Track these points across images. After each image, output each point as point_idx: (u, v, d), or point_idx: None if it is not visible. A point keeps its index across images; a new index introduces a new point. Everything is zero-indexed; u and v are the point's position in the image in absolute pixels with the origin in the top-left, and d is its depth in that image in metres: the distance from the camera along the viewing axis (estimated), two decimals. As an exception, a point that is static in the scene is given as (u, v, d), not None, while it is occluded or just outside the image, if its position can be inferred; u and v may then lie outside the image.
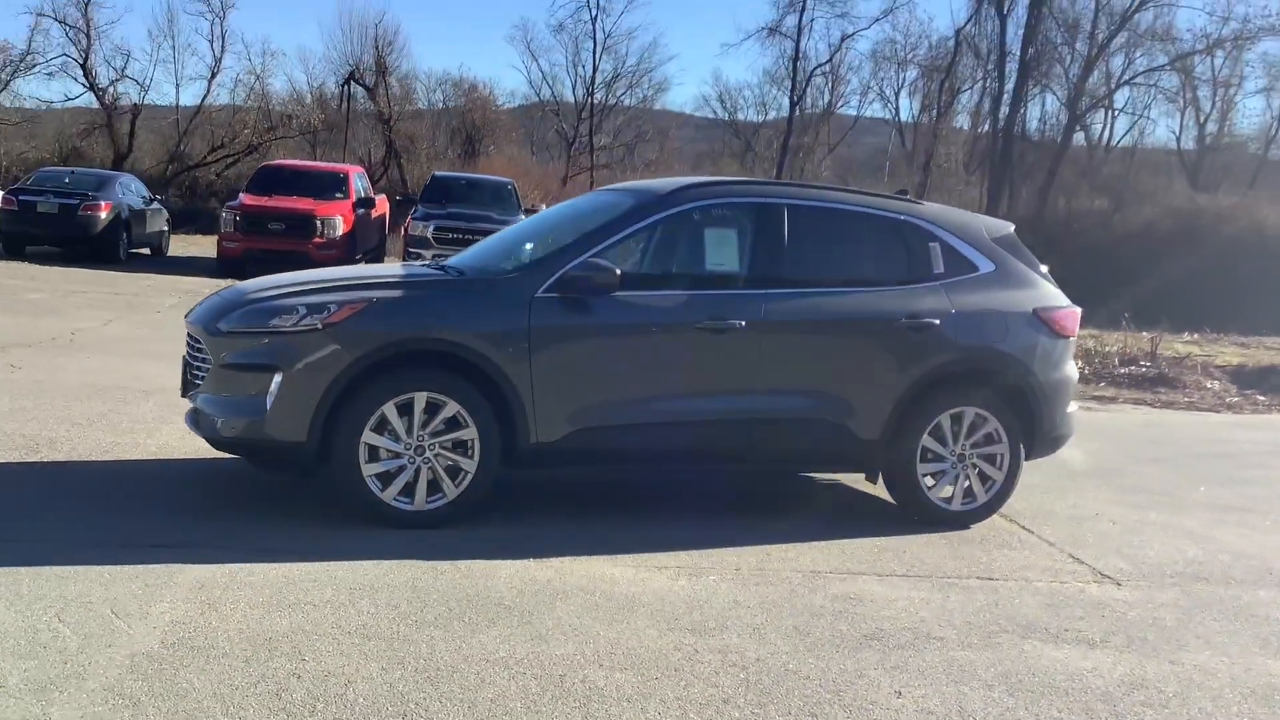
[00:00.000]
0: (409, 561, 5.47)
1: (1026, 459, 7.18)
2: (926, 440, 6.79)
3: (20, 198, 22.01)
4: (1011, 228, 7.45)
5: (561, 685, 4.21)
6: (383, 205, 25.15)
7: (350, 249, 22.07)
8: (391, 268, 7.96)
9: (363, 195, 23.58)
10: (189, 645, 4.28)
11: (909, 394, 6.71)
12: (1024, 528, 7.08)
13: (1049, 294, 7.17)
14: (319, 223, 21.62)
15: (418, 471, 6.06)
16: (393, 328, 6.02)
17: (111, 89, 45.10)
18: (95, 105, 45.59)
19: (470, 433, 6.09)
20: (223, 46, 47.31)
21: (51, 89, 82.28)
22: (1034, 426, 7.01)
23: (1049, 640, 5.08)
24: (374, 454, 6.01)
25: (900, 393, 6.68)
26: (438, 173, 28.05)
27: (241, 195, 22.72)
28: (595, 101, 54.22)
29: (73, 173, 24.70)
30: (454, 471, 6.11)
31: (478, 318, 6.13)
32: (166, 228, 25.50)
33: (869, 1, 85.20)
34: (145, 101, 45.09)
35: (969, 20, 46.18)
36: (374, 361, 5.97)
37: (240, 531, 5.81)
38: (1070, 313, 7.18)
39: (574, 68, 54.98)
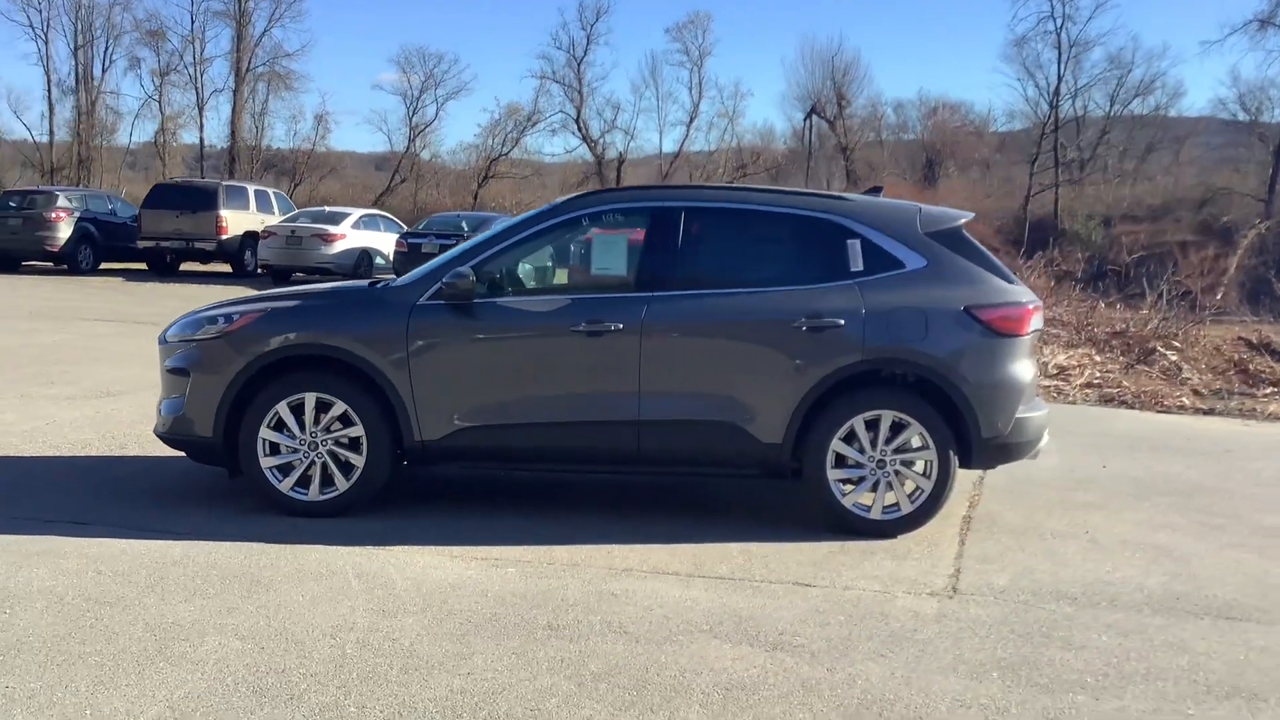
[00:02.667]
0: (242, 544, 6.05)
1: (969, 467, 6.73)
2: (838, 445, 6.54)
3: (409, 240, 24.43)
4: (962, 220, 6.98)
5: (188, 643, 4.65)
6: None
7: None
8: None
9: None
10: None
11: (813, 396, 6.50)
12: (959, 539, 6.62)
13: (989, 290, 6.67)
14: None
15: (311, 465, 6.63)
16: (280, 335, 6.65)
17: (602, 140, 49.50)
18: (589, 157, 50.48)
19: (358, 430, 6.60)
20: (699, 92, 50.26)
21: (555, 143, 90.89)
22: (967, 432, 6.57)
23: (745, 642, 4.88)
24: (275, 449, 6.65)
25: (802, 395, 6.50)
26: None
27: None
28: (1061, 115, 51.50)
29: (461, 216, 27.07)
30: (347, 466, 6.63)
31: (360, 324, 6.65)
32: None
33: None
34: (630, 149, 48.89)
35: None
36: (265, 365, 6.61)
37: (155, 514, 6.62)
38: (1012, 311, 6.63)
39: (1040, 80, 52.02)
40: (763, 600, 5.44)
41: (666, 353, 6.54)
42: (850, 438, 6.55)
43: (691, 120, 50.81)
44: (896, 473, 6.56)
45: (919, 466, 6.56)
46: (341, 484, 6.63)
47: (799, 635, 4.98)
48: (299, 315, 6.77)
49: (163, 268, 27.01)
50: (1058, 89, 51.41)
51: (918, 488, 6.58)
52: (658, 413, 6.54)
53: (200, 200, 26.08)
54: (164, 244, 26.09)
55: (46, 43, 65.77)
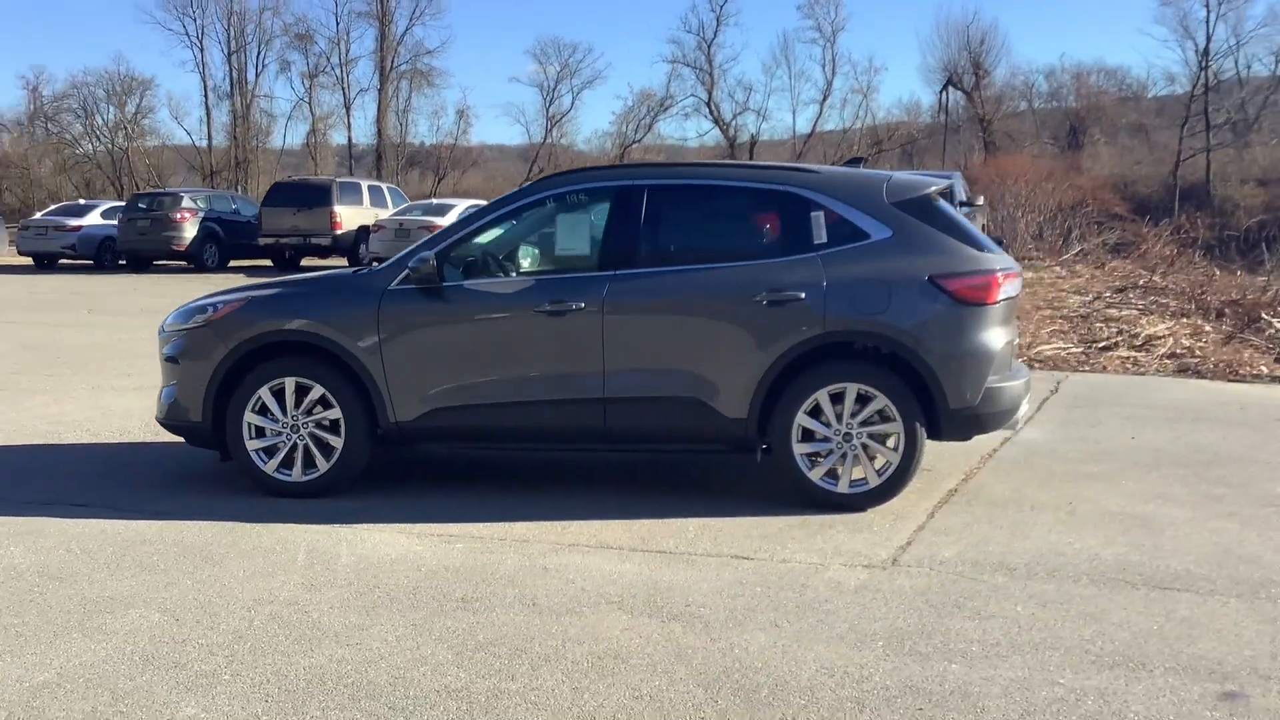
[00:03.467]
0: (216, 524, 6.33)
1: (940, 439, 6.64)
2: (804, 419, 6.51)
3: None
4: (933, 187, 6.87)
5: (111, 615, 4.91)
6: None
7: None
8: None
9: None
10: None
11: (775, 370, 6.49)
12: (931, 512, 6.53)
13: (956, 258, 6.56)
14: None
15: (294, 447, 6.88)
16: (257, 322, 6.90)
17: (734, 122, 49.76)
18: (721, 140, 50.85)
19: (336, 413, 6.82)
20: (833, 69, 50.08)
21: (686, 128, 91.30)
22: (934, 404, 6.48)
23: (647, 614, 4.92)
24: (260, 432, 6.92)
25: (765, 369, 6.49)
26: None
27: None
28: (1218, 75, 49.34)
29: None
30: (327, 448, 6.86)
31: (333, 310, 6.86)
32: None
33: None
34: (762, 130, 48.97)
35: None
36: (247, 352, 6.87)
37: (153, 496, 6.95)
38: (978, 279, 6.51)
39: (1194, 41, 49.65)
40: (691, 573, 5.47)
41: (629, 330, 6.59)
42: (816, 411, 6.51)
43: (825, 98, 50.49)
44: (864, 446, 6.49)
45: (887, 440, 6.48)
46: (322, 465, 6.85)
47: (705, 606, 5.00)
48: (277, 303, 7.02)
49: (283, 263, 27.94)
50: (1207, 48, 49.45)
51: (886, 461, 6.50)
52: (623, 390, 6.60)
53: (315, 197, 26.94)
54: (282, 240, 27.02)
55: (202, 50, 69.00)
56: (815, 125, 50.79)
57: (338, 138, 71.62)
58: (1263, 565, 5.52)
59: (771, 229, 6.78)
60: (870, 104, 49.22)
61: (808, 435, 6.53)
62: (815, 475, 6.53)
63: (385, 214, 27.28)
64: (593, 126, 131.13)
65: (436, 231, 7.18)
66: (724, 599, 5.10)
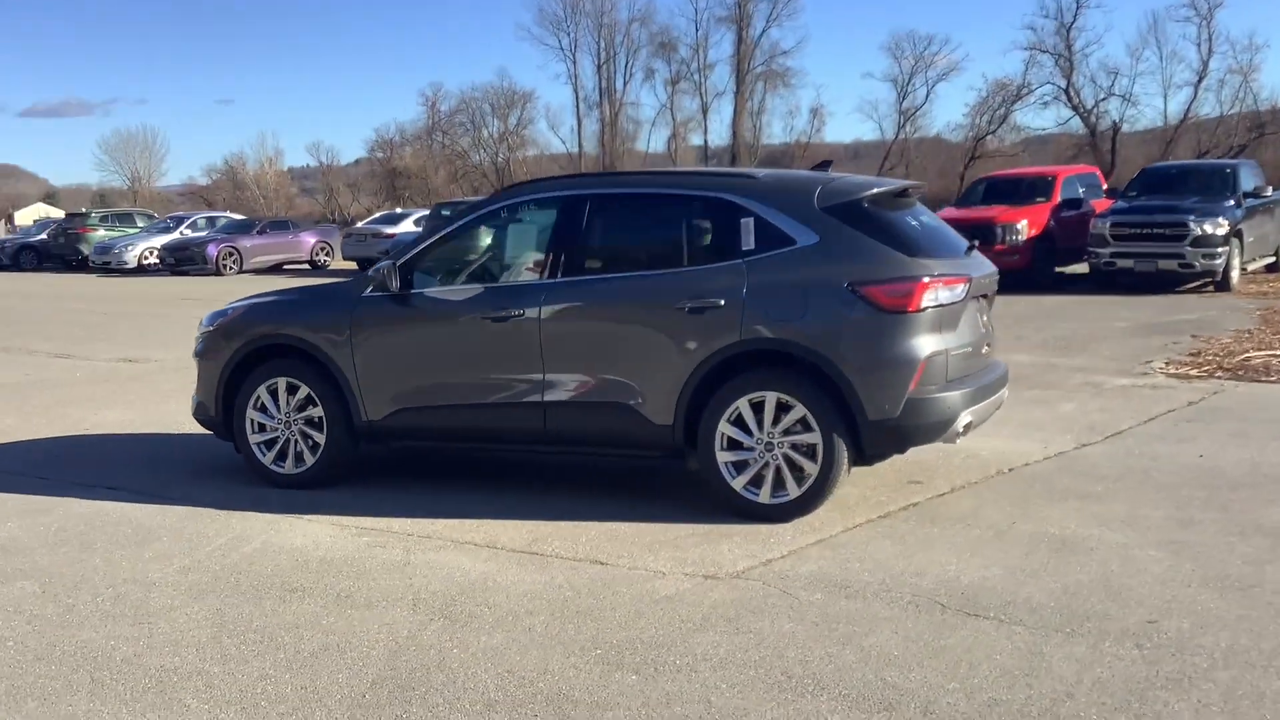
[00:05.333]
0: (189, 509, 7.02)
1: (866, 451, 6.46)
2: (726, 427, 6.50)
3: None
4: (871, 190, 6.64)
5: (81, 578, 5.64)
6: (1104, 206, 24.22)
7: (1040, 253, 21.76)
8: None
9: (1074, 198, 22.92)
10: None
11: (698, 377, 6.51)
12: (854, 526, 6.37)
13: (878, 265, 6.34)
14: (999, 230, 21.72)
15: (287, 442, 7.52)
16: (256, 326, 7.58)
17: (1095, 109, 48.02)
18: (1081, 128, 49.22)
19: (319, 411, 7.41)
20: (1209, 49, 47.36)
21: (1044, 117, 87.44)
22: (852, 414, 6.32)
23: (427, 610, 5.14)
24: (261, 427, 7.60)
25: (687, 376, 6.52)
26: (1149, 165, 26.14)
27: (949, 208, 23.69)
28: None
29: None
30: (314, 443, 7.46)
31: (315, 316, 7.43)
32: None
33: None
34: (1126, 117, 46.79)
35: None
36: (248, 353, 7.56)
37: (172, 483, 7.69)
38: (899, 286, 6.26)
39: None
40: (525, 575, 5.63)
41: (565, 337, 6.78)
42: (740, 420, 6.47)
43: (1200, 80, 47.05)
44: (786, 457, 6.40)
45: (809, 450, 6.37)
46: (309, 460, 7.42)
47: (491, 607, 5.18)
48: (273, 309, 7.66)
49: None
50: None
51: (808, 472, 6.38)
52: (561, 394, 6.80)
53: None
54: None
55: (575, 62, 73.18)
56: (1189, 110, 47.35)
57: (696, 141, 73.66)
58: (1115, 599, 5.09)
59: (704, 236, 6.77)
60: (1251, 85, 45.40)
61: (734, 444, 6.49)
62: (738, 484, 6.48)
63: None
64: (945, 119, 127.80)
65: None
66: (519, 601, 5.25)
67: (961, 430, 6.44)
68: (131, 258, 36.20)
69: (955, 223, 21.46)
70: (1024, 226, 21.64)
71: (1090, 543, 5.93)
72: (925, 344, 6.27)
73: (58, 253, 39.71)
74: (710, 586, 5.39)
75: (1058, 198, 22.61)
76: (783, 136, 71.88)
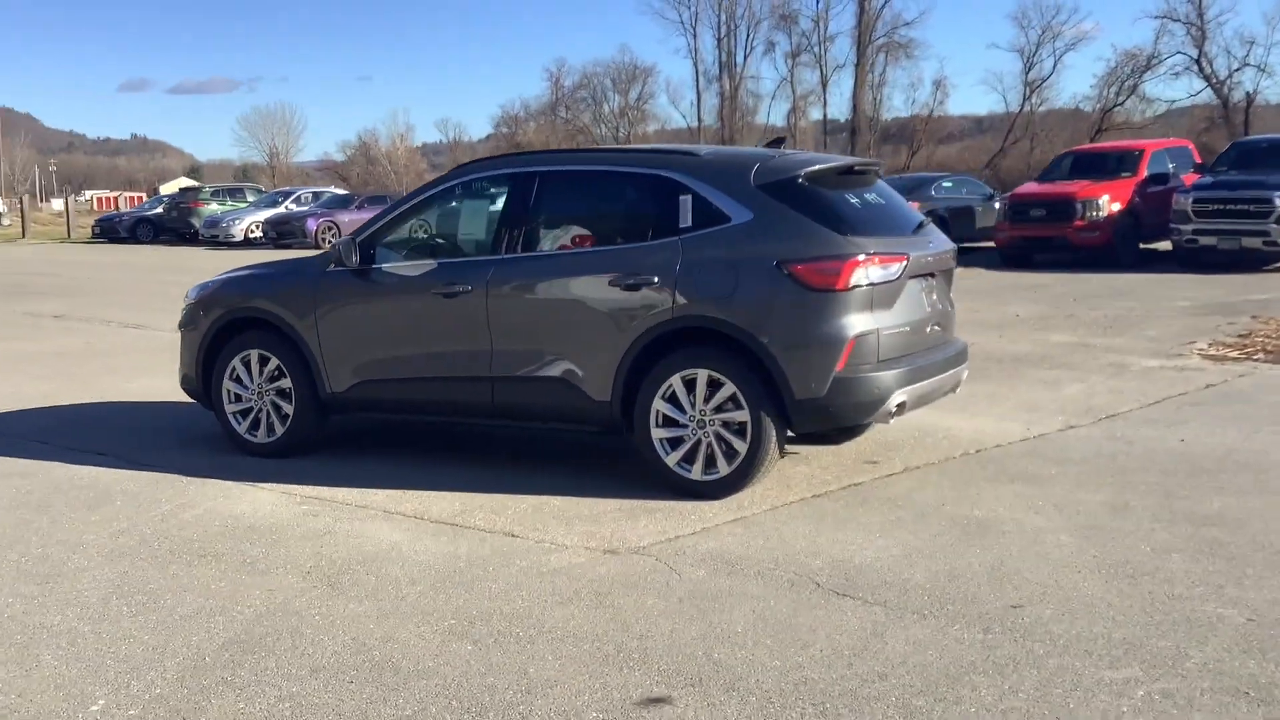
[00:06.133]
0: (155, 474, 7.28)
1: (795, 431, 6.47)
2: (661, 403, 6.53)
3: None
4: (809, 168, 6.58)
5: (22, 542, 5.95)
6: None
7: (1122, 230, 21.22)
8: None
9: (1161, 173, 22.24)
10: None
11: (632, 354, 6.55)
12: (782, 506, 6.38)
13: (808, 242, 6.29)
14: (1079, 206, 21.25)
15: (260, 412, 7.76)
16: (229, 299, 7.82)
17: (1229, 80, 46.73)
18: (1214, 99, 47.91)
19: (288, 383, 7.63)
20: None
21: (1175, 88, 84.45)
22: (779, 393, 6.32)
23: (314, 577, 5.30)
24: (237, 398, 7.86)
25: (623, 353, 6.57)
26: (1240, 139, 25.14)
27: (1029, 183, 23.24)
28: None
29: (937, 178, 27.03)
30: (284, 414, 7.70)
31: (282, 290, 7.64)
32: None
33: None
34: (1261, 87, 45.37)
35: None
36: (223, 325, 7.81)
37: (157, 450, 7.96)
38: (826, 264, 6.21)
39: None
40: (439, 545, 5.74)
41: (510, 312, 6.88)
42: (674, 397, 6.50)
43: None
44: (717, 434, 6.43)
45: (739, 428, 6.38)
46: (279, 430, 7.65)
47: (376, 575, 5.32)
48: (246, 282, 7.89)
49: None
50: None
51: (738, 450, 6.40)
52: (506, 369, 6.91)
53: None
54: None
55: (695, 36, 72.97)
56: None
57: (815, 115, 72.99)
58: (996, 583, 5.02)
59: (645, 213, 6.80)
60: None
61: (669, 421, 6.53)
62: (672, 461, 6.52)
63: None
64: (1072, 91, 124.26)
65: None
66: (410, 571, 5.37)
67: (894, 410, 6.38)
68: (238, 231, 37.34)
69: (1031, 198, 21.51)
70: (1105, 202, 21.10)
71: (1006, 526, 5.84)
72: (854, 323, 6.22)
73: (171, 226, 41.19)
74: (602, 561, 5.44)
75: (1144, 173, 21.99)
76: (904, 110, 70.64)
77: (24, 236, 46.62)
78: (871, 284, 6.25)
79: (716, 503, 6.34)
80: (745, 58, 74.63)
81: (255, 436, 7.71)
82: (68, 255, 35.60)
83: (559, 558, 5.51)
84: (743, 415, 6.30)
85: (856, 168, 6.96)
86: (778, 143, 7.24)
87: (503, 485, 6.81)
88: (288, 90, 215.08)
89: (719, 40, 74.84)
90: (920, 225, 6.88)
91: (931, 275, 6.84)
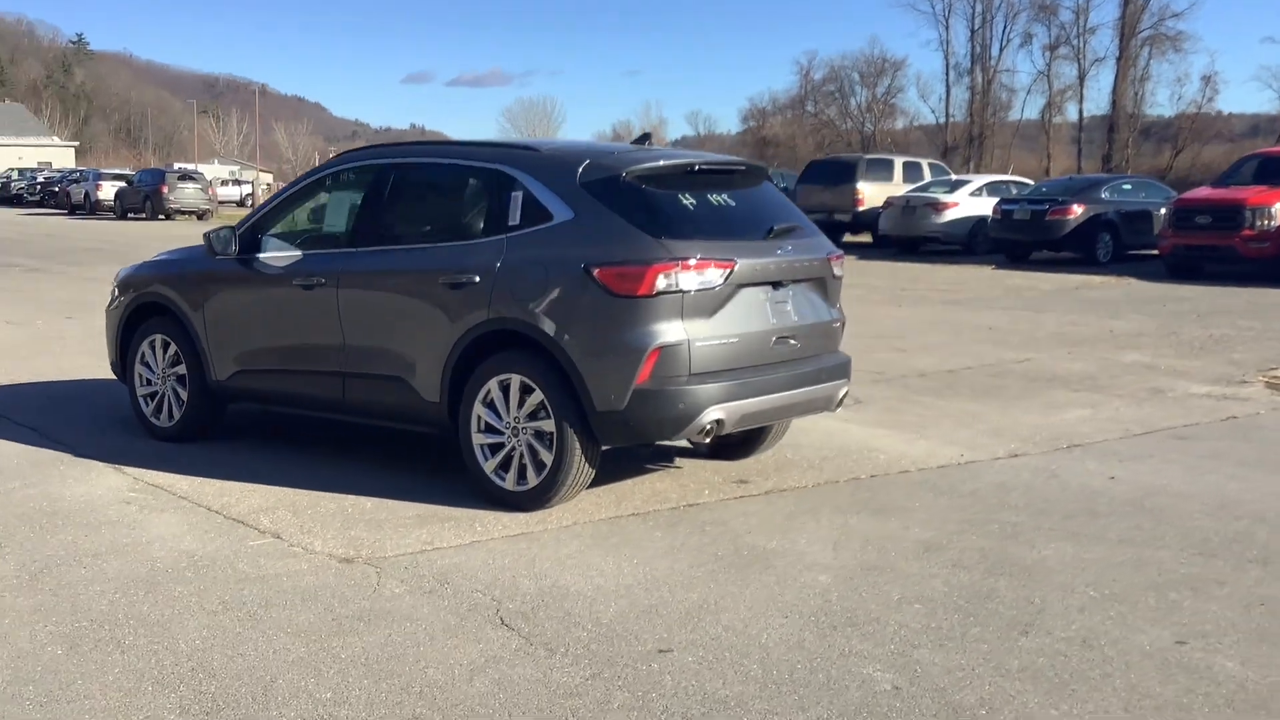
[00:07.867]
0: (58, 454, 7.42)
1: (605, 444, 6.11)
2: (480, 408, 6.24)
3: (1003, 207, 23.78)
4: (639, 166, 6.11)
5: None
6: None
7: (1297, 241, 19.50)
8: None
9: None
10: None
11: (455, 355, 6.29)
12: (585, 521, 6.05)
13: (616, 246, 5.89)
14: (1248, 213, 19.63)
15: (163, 397, 7.88)
16: (137, 283, 7.95)
17: None
18: None
19: (183, 369, 7.73)
20: None
21: None
22: (580, 403, 5.99)
23: (26, 569, 5.33)
24: (147, 381, 7.99)
25: (447, 354, 6.33)
26: None
27: (1201, 188, 21.71)
28: None
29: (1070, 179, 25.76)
30: (180, 400, 7.78)
31: (178, 276, 7.71)
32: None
33: None
34: None
35: None
36: (134, 309, 7.94)
37: (97, 432, 8.06)
38: (629, 269, 5.79)
39: None
40: (200, 543, 5.59)
41: (355, 307, 6.74)
42: (493, 403, 6.24)
43: None
44: (529, 444, 6.14)
45: (548, 438, 6.08)
46: (176, 414, 7.74)
47: (96, 568, 5.27)
48: (152, 267, 8.00)
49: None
50: None
51: (545, 461, 6.10)
52: (354, 365, 6.78)
53: (842, 174, 27.30)
54: (811, 216, 27.56)
55: (947, 28, 71.55)
56: None
57: (1071, 111, 70.08)
58: (684, 620, 4.59)
59: (480, 209, 6.54)
60: None
61: (489, 427, 6.26)
62: (489, 468, 6.24)
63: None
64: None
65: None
66: (136, 566, 5.29)
67: (708, 427, 5.93)
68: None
69: (1197, 204, 19.95)
70: (1278, 210, 19.35)
71: (779, 560, 5.36)
72: (658, 332, 5.80)
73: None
74: (318, 569, 5.25)
75: (1329, 177, 20.08)
76: (1169, 107, 66.67)
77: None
78: (682, 290, 5.81)
79: (508, 515, 6.04)
80: (1000, 50, 72.05)
81: (159, 420, 7.80)
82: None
83: (285, 564, 5.33)
84: (549, 424, 5.98)
85: (720, 166, 6.50)
86: (644, 139, 6.83)
87: (335, 484, 6.64)
88: (559, 84, 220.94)
89: (973, 32, 72.58)
90: (781, 230, 6.36)
91: (784, 284, 6.32)
